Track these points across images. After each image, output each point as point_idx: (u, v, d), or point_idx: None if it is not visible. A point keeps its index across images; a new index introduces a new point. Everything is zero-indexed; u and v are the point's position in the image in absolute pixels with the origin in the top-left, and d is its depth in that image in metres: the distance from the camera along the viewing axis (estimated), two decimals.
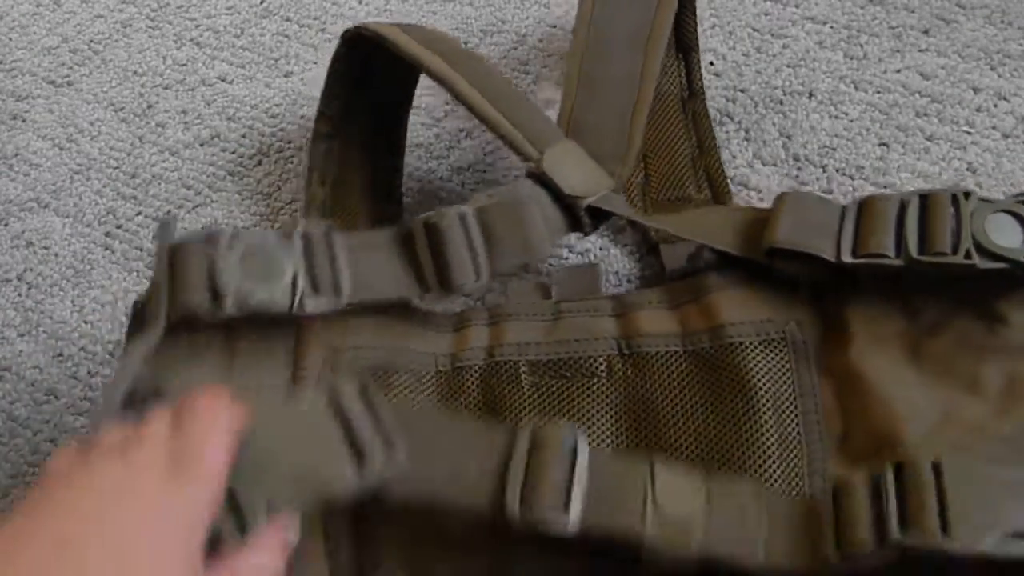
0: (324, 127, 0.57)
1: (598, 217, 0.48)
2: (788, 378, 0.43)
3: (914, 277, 0.43)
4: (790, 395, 0.43)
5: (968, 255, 0.41)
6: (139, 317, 0.43)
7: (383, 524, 0.42)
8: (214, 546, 0.34)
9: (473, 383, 0.46)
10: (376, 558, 0.42)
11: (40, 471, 0.54)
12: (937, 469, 0.36)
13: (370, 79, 0.57)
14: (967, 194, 0.42)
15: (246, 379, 0.43)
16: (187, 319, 0.40)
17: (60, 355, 0.58)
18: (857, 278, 0.44)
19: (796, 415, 0.42)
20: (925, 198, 0.43)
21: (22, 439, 0.55)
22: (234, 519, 0.35)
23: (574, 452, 0.39)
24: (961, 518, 0.35)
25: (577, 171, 0.48)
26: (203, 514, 0.33)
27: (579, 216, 0.47)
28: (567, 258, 0.57)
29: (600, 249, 0.57)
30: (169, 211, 0.62)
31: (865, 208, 0.44)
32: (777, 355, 0.44)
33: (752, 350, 0.44)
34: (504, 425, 0.40)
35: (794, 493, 0.41)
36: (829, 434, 0.42)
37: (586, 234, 0.48)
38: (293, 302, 0.41)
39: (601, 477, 0.39)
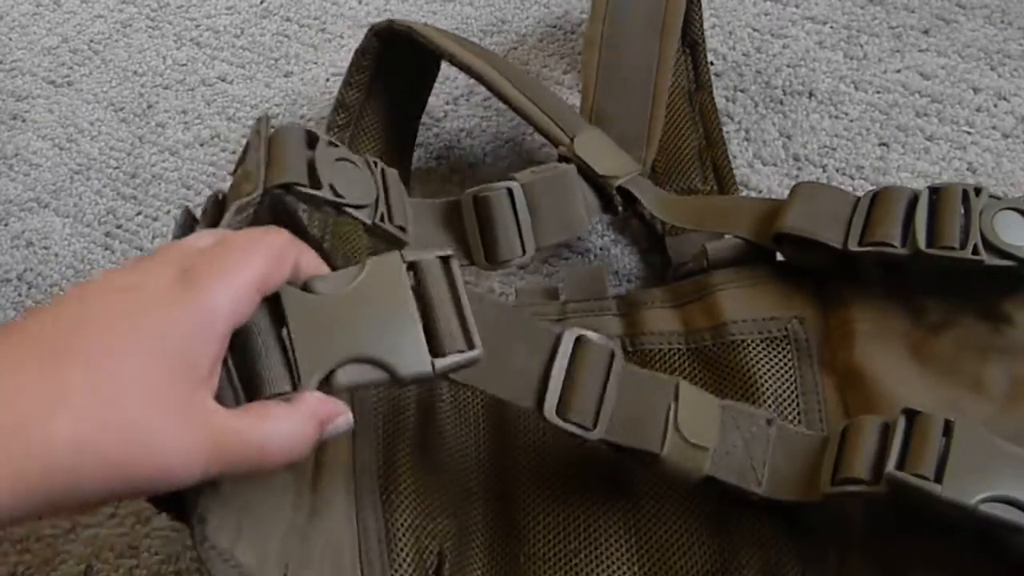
0: (341, 117, 0.57)
1: (627, 199, 0.49)
2: (791, 376, 0.43)
3: (919, 275, 0.43)
4: (792, 393, 0.43)
5: (976, 251, 0.41)
6: (190, 218, 0.40)
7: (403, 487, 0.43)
8: (255, 393, 0.32)
9: None
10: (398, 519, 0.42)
11: None
12: (948, 427, 0.36)
13: (392, 74, 0.57)
14: (978, 190, 0.42)
15: None
16: (278, 204, 0.39)
17: None
18: (863, 275, 0.44)
19: (799, 413, 0.43)
20: (936, 192, 0.43)
21: None
22: (285, 372, 0.32)
23: (610, 363, 0.40)
24: (956, 472, 0.35)
25: (606, 154, 0.50)
26: (200, 331, 0.30)
27: (611, 196, 0.49)
28: (567, 258, 0.57)
29: (600, 249, 0.57)
30: (169, 211, 0.62)
31: (877, 199, 0.44)
32: (779, 353, 0.44)
33: (754, 348, 0.44)
34: (550, 327, 0.41)
35: None
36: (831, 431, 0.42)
37: (616, 214, 0.50)
38: (374, 220, 0.41)
39: (630, 394, 0.40)
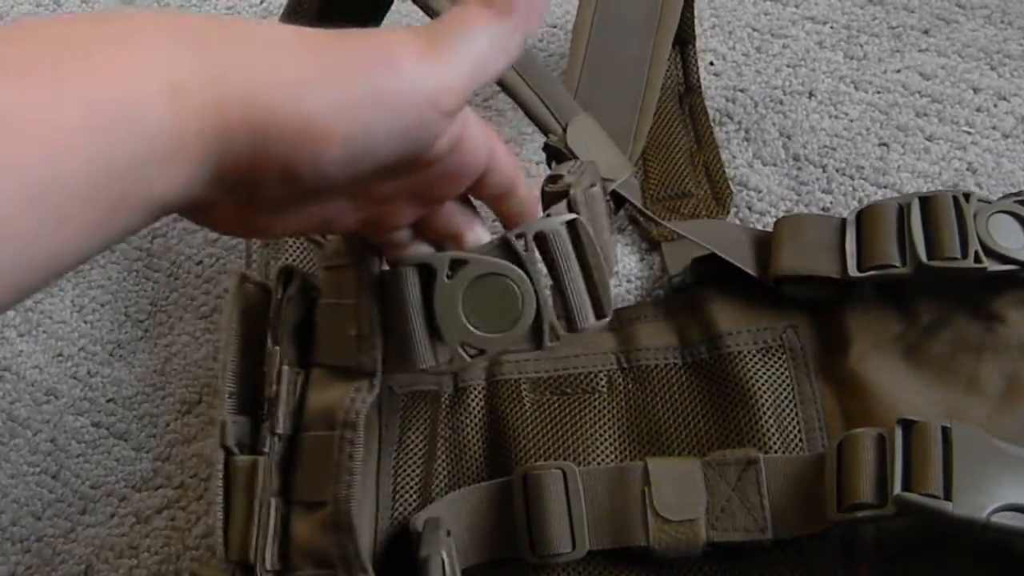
0: None
1: (618, 202, 0.47)
2: (788, 385, 0.43)
3: (913, 280, 0.43)
4: (791, 402, 0.43)
5: (978, 259, 0.41)
6: (251, 309, 0.37)
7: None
8: None
9: (476, 403, 0.45)
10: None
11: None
12: (946, 434, 0.36)
13: (338, 10, 0.51)
14: (967, 195, 0.42)
15: None
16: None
17: (60, 355, 0.58)
18: (855, 283, 0.44)
19: (798, 422, 0.42)
20: (925, 201, 0.43)
21: (22, 439, 0.55)
22: None
23: (565, 483, 0.40)
24: (964, 486, 0.35)
25: (599, 150, 0.46)
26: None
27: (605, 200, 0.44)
28: None
29: None
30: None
31: (865, 218, 0.43)
32: (776, 362, 0.44)
33: (751, 358, 0.44)
34: (498, 483, 0.41)
35: None
36: (832, 438, 0.41)
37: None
38: (541, 342, 0.34)
39: (598, 498, 0.40)
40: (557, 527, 0.39)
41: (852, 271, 0.42)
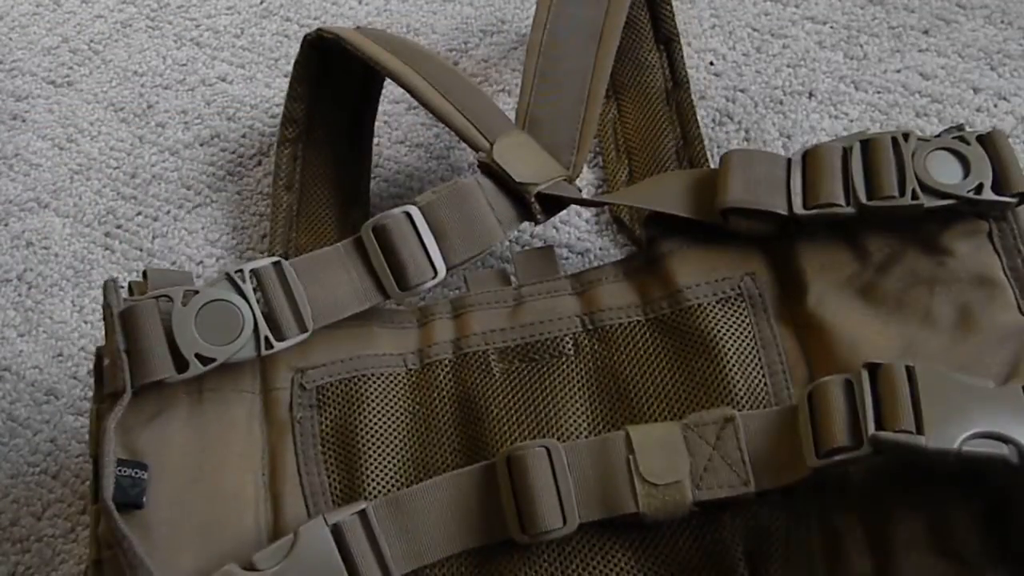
0: (289, 131, 0.58)
1: (550, 206, 0.48)
2: (749, 332, 0.44)
3: (861, 219, 0.44)
4: (753, 349, 0.43)
5: (915, 195, 0.42)
6: (101, 369, 0.43)
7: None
8: None
9: (445, 378, 0.46)
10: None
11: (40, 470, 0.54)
12: (910, 373, 0.37)
13: (333, 81, 0.57)
14: (906, 135, 0.43)
15: (216, 415, 0.43)
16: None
17: (60, 355, 0.58)
18: (805, 225, 0.45)
19: (761, 368, 0.43)
20: (866, 143, 0.44)
21: (22, 439, 0.55)
22: None
23: (550, 459, 0.40)
24: (935, 418, 0.36)
25: (528, 160, 0.48)
26: None
27: (529, 204, 0.48)
28: (567, 258, 0.57)
29: (600, 249, 0.57)
30: (169, 211, 0.63)
31: (810, 158, 0.44)
32: (735, 311, 0.44)
33: (711, 310, 0.44)
34: (478, 467, 0.42)
35: None
36: (795, 381, 0.42)
37: (537, 223, 0.49)
38: (259, 351, 0.42)
39: (584, 471, 0.40)
40: (547, 504, 0.40)
41: (797, 208, 0.43)
